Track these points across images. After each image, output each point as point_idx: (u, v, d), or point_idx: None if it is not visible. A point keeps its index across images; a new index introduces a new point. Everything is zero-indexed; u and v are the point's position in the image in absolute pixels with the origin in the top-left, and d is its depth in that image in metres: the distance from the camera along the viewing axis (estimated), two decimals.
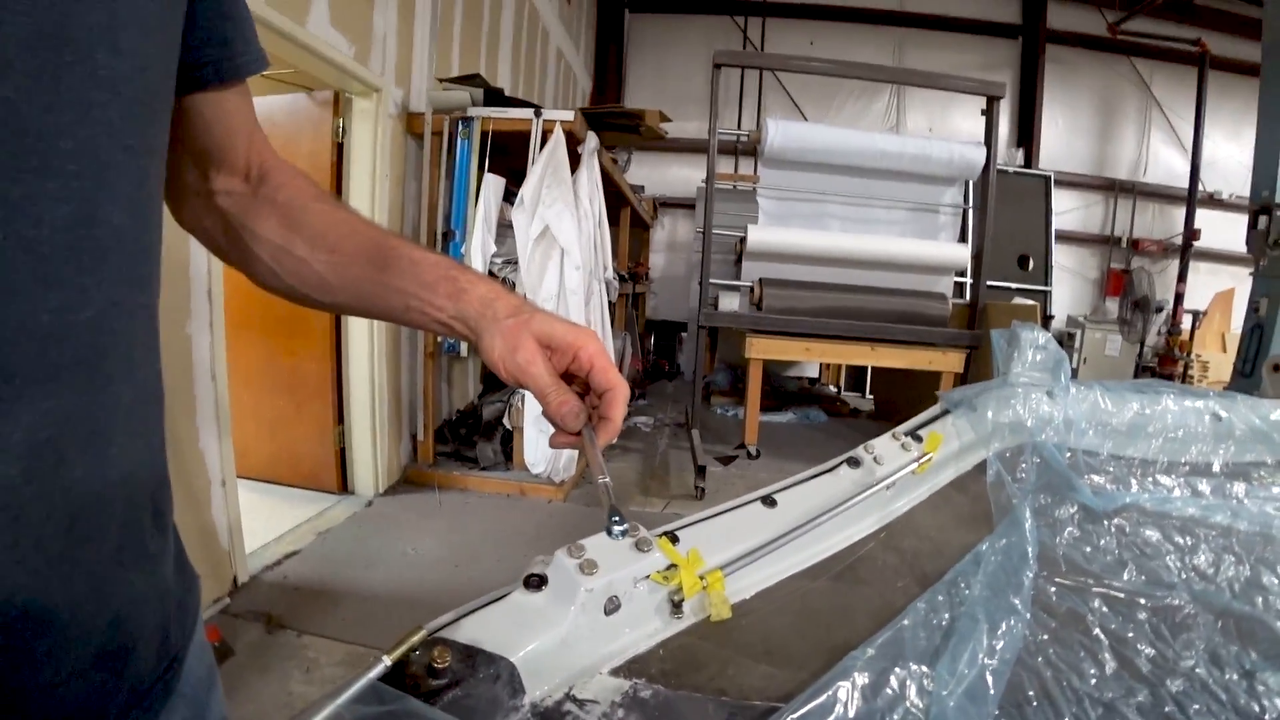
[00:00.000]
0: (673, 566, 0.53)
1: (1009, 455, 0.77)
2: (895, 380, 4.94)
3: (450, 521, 3.03)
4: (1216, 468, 0.87)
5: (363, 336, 3.13)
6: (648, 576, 0.52)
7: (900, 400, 4.88)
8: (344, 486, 3.27)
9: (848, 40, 7.71)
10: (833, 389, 6.73)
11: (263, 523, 2.84)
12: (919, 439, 0.80)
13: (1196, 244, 7.65)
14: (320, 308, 0.56)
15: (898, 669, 0.46)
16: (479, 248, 3.03)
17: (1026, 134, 7.94)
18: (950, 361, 3.70)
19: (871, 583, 0.63)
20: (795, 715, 0.42)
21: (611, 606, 0.50)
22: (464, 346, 3.40)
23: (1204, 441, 0.88)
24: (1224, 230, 7.60)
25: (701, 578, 0.55)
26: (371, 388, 3.18)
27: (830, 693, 0.44)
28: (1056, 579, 0.66)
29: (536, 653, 0.45)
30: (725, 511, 0.64)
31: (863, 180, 3.88)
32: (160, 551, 0.39)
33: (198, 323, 2.14)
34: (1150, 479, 0.84)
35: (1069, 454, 0.83)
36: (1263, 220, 3.53)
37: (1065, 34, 7.85)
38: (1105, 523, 0.75)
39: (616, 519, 0.45)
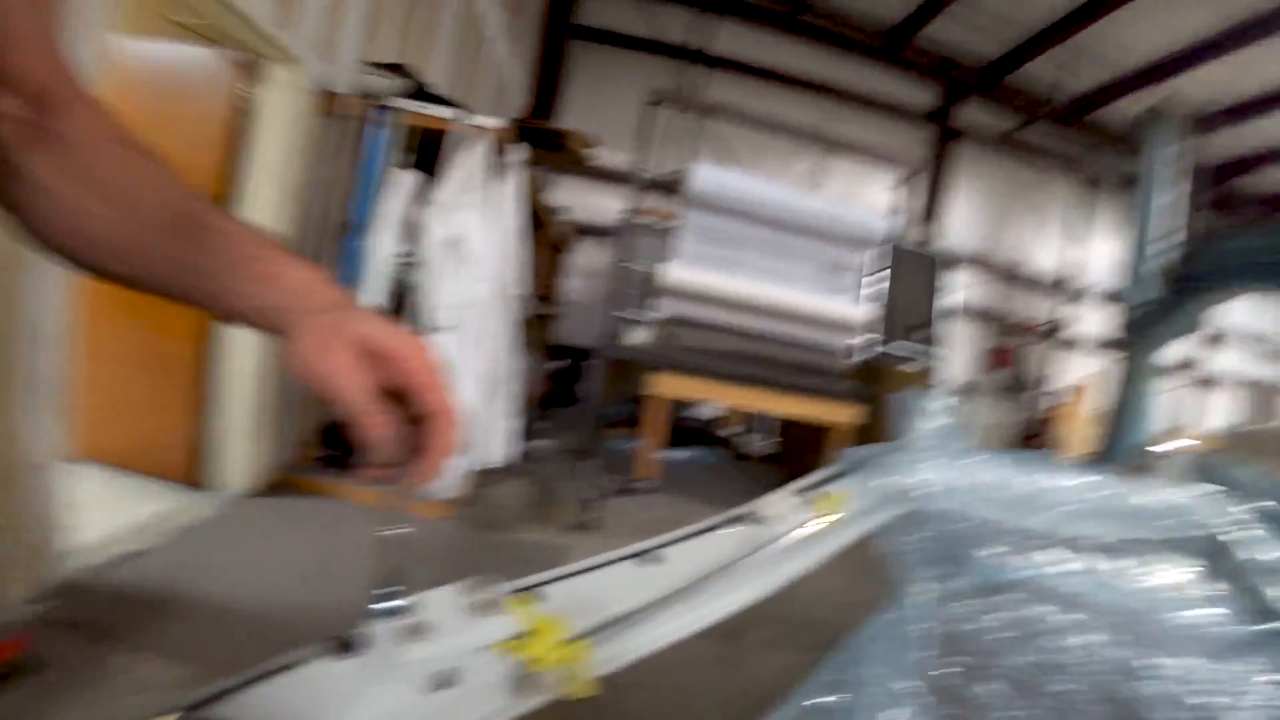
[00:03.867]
0: (525, 633, 0.45)
1: (904, 524, 0.74)
2: (796, 429, 5.06)
3: (321, 533, 2.77)
4: (1107, 544, 0.87)
5: None
6: (491, 645, 0.43)
7: (801, 449, 4.98)
8: (205, 482, 2.94)
9: (780, 104, 8.08)
10: (733, 431, 6.82)
11: (103, 515, 2.48)
12: (817, 498, 0.75)
13: (1069, 330, 8.58)
14: (100, 276, 0.45)
15: None
16: (382, 243, 2.86)
17: (933, 212, 8.59)
18: (847, 415, 3.81)
19: (756, 656, 0.56)
20: None
21: (441, 682, 0.40)
22: None
23: (1096, 518, 0.89)
24: (1093, 321, 8.60)
25: (561, 646, 0.46)
26: (249, 377, 2.90)
27: None
28: (950, 658, 0.61)
29: None
30: (595, 568, 0.55)
31: (779, 233, 4.00)
32: None
33: (36, 274, 1.82)
34: (1044, 552, 0.83)
35: (966, 525, 0.80)
36: (1124, 315, 3.93)
37: (973, 129, 8.77)
38: (999, 598, 0.73)
39: (387, 592, 0.31)
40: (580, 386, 7.34)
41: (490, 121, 2.97)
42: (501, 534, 3.10)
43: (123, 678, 1.69)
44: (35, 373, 1.90)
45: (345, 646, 0.39)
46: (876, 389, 3.84)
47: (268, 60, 2.75)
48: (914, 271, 7.25)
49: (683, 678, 0.52)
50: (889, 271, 4.02)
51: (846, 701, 0.47)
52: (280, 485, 3.14)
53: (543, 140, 3.55)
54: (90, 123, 0.44)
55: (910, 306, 7.29)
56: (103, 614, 1.93)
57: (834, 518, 0.72)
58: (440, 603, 0.43)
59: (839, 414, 3.81)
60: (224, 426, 2.93)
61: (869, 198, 7.63)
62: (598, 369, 3.95)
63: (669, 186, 6.55)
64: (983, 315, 9.08)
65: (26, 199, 0.42)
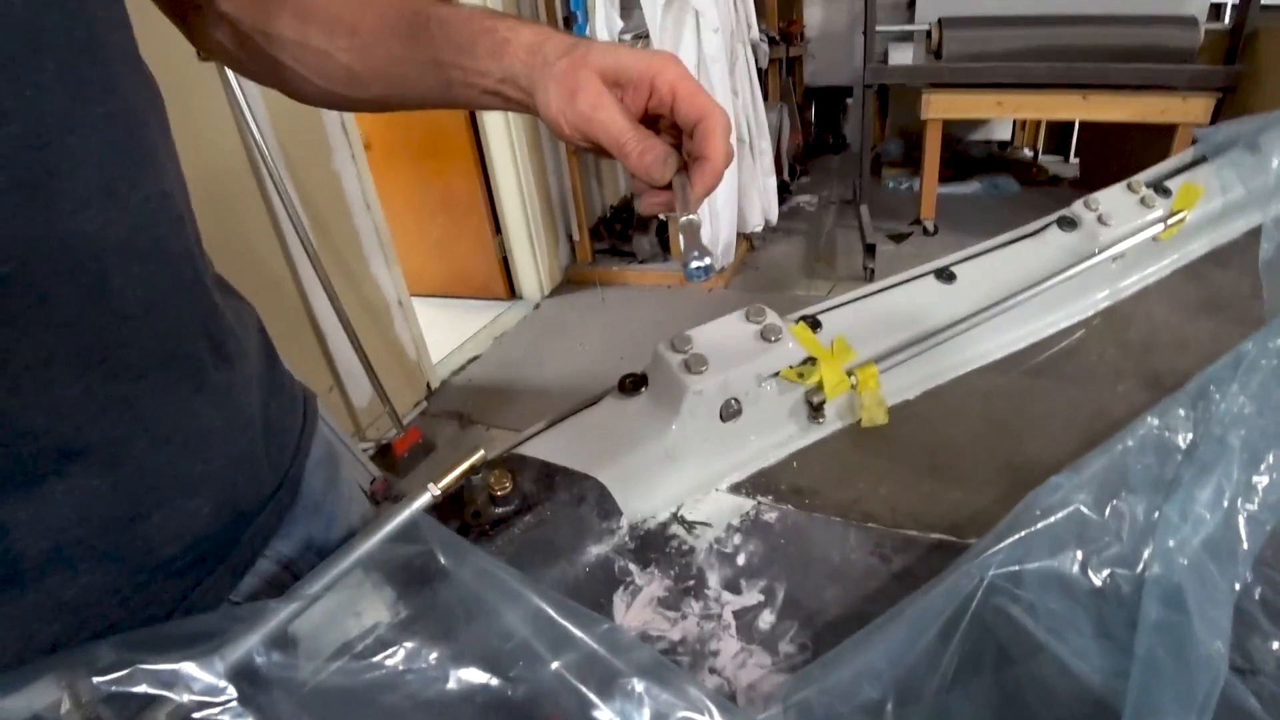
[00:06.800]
0: (810, 360, 0.43)
1: None
2: (1110, 139, 4.08)
3: (613, 316, 3.12)
4: None
5: (503, 145, 3.08)
6: (776, 373, 0.42)
7: (1115, 165, 4.06)
8: (512, 293, 3.43)
9: None
10: (1029, 152, 5.78)
11: (447, 334, 3.09)
12: (1166, 192, 0.58)
13: None
14: (362, 108, 0.48)
15: (1115, 501, 0.34)
16: (604, 25, 2.75)
17: None
18: (1192, 111, 2.85)
19: (1082, 384, 0.48)
20: (967, 559, 0.32)
21: (730, 411, 0.41)
22: None
23: None
24: None
25: (850, 373, 0.44)
26: (521, 195, 3.18)
27: (1017, 535, 0.33)
28: None
29: (634, 468, 0.38)
30: (885, 289, 0.50)
31: None
32: (229, 384, 0.36)
33: (340, 157, 2.18)
34: None
35: None
36: None
37: None
38: None
39: (696, 255, 0.33)
40: (844, 129, 6.73)
41: None
42: (778, 294, 3.15)
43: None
44: (369, 231, 2.31)
45: (636, 383, 0.41)
46: (1245, 66, 2.77)
47: None
48: None
49: (989, 407, 0.47)
50: None
51: (1206, 438, 0.38)
52: (570, 282, 3.52)
53: None
54: None
55: None
56: (462, 406, 2.51)
57: (1186, 215, 0.56)
58: (722, 332, 0.43)
59: (1181, 110, 2.89)
60: (513, 243, 3.30)
61: None
62: (860, 104, 3.48)
63: None
64: None
65: (275, 63, 0.46)
